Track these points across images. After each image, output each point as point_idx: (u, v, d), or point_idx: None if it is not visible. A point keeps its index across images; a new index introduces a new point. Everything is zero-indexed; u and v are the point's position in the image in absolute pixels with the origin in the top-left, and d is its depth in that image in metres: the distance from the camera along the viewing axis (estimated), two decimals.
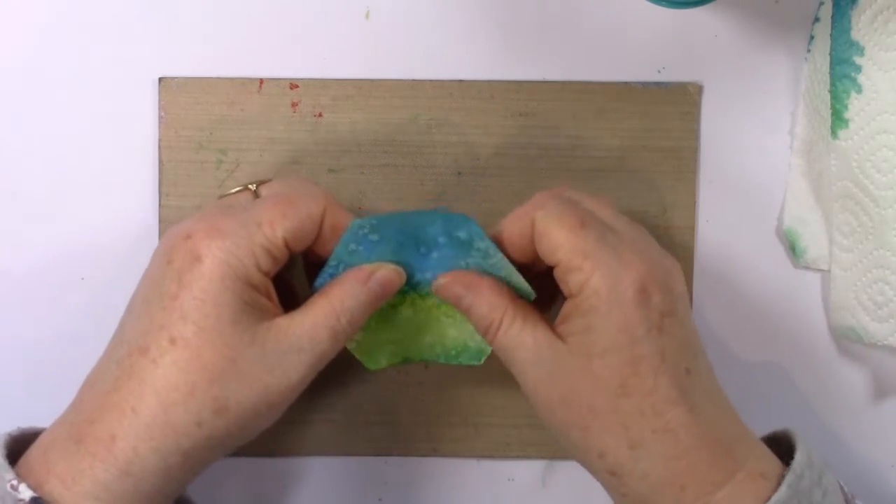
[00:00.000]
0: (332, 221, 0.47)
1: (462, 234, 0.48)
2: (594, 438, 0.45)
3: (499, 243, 0.48)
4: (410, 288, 0.49)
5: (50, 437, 0.45)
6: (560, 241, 0.45)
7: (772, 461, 0.46)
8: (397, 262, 0.48)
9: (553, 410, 0.45)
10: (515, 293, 0.48)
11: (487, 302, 0.47)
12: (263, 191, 0.49)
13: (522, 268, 0.48)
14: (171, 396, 0.44)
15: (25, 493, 0.43)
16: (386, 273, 0.47)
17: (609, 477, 0.45)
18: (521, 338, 0.46)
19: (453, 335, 0.50)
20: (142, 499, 0.44)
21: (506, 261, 0.48)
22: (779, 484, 0.44)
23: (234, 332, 0.44)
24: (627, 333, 0.44)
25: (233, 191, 0.50)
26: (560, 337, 0.46)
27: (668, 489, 0.44)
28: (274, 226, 0.45)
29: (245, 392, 0.44)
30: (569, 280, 0.45)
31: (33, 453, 0.45)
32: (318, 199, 0.47)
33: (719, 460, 0.45)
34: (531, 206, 0.48)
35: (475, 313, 0.47)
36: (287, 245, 0.46)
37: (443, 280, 0.48)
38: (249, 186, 0.50)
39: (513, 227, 0.48)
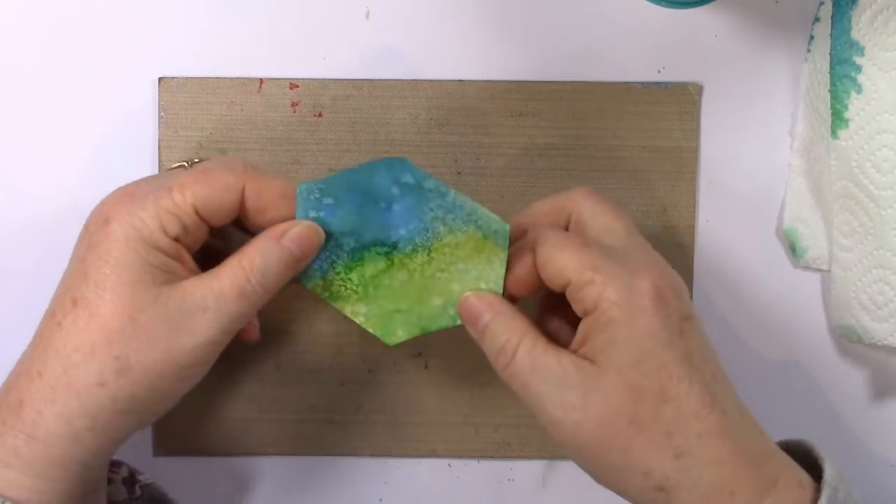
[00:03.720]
0: (257, 191, 0.46)
1: (409, 179, 0.47)
2: (637, 456, 0.43)
3: (508, 285, 0.48)
4: (392, 249, 0.48)
5: None
6: (566, 262, 0.45)
7: (801, 471, 0.45)
8: (364, 223, 0.47)
9: (587, 436, 0.44)
10: (497, 243, 0.47)
11: (505, 323, 0.46)
12: (196, 166, 0.48)
13: (511, 298, 0.48)
14: (71, 357, 0.44)
15: None
16: (301, 230, 0.46)
17: (657, 494, 0.44)
18: (545, 361, 0.44)
19: (458, 290, 0.48)
20: (52, 464, 0.44)
21: (463, 195, 0.47)
22: (816, 493, 0.44)
23: (135, 291, 0.44)
24: (654, 338, 0.43)
25: (173, 165, 0.50)
26: (585, 359, 0.44)
27: (719, 496, 0.43)
28: (183, 191, 0.45)
29: (146, 351, 0.44)
30: (583, 296, 0.44)
31: None
32: (239, 170, 0.46)
33: (759, 466, 0.44)
34: (529, 241, 0.47)
35: (490, 333, 0.46)
36: (198, 213, 0.45)
37: (464, 298, 0.47)
38: (184, 163, 0.50)
39: (513, 264, 0.47)
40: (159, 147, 0.54)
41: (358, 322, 0.48)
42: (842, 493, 0.44)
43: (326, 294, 0.48)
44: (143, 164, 0.55)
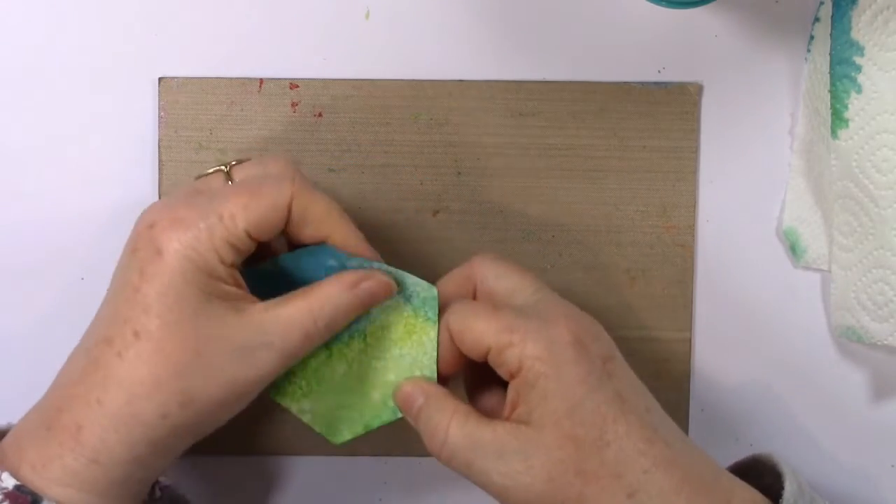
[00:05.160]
0: (303, 207, 0.46)
1: (333, 263, 0.47)
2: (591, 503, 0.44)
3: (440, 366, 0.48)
4: (332, 339, 0.48)
5: (23, 424, 0.46)
6: (482, 329, 0.45)
7: (752, 490, 0.46)
8: None
9: (539, 496, 0.44)
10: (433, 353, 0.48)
11: (436, 405, 0.46)
12: (236, 173, 0.48)
13: (441, 379, 0.48)
14: (135, 390, 0.44)
15: (8, 481, 0.43)
16: (376, 284, 0.47)
17: None
18: (479, 434, 0.44)
19: (394, 380, 0.48)
20: (113, 485, 0.44)
21: (388, 266, 0.48)
22: None
23: (198, 325, 0.44)
24: (583, 385, 0.44)
25: (209, 171, 0.49)
26: (520, 422, 0.44)
27: None
28: (235, 219, 0.45)
29: (211, 384, 0.44)
30: (505, 359, 0.44)
31: (8, 440, 0.46)
32: (286, 187, 0.46)
33: (711, 492, 0.44)
34: (445, 319, 0.47)
35: (424, 417, 0.46)
36: (251, 236, 0.45)
37: (399, 387, 0.48)
38: (222, 168, 0.49)
39: (442, 348, 0.47)
40: (159, 147, 0.54)
41: (305, 420, 0.49)
42: None
43: (273, 392, 0.48)
44: (144, 164, 0.55)
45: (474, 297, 0.48)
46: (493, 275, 0.48)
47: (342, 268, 0.47)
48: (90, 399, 0.44)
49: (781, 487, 0.45)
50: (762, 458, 0.48)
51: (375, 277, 0.47)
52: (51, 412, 0.45)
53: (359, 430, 0.49)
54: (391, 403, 0.48)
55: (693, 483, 0.44)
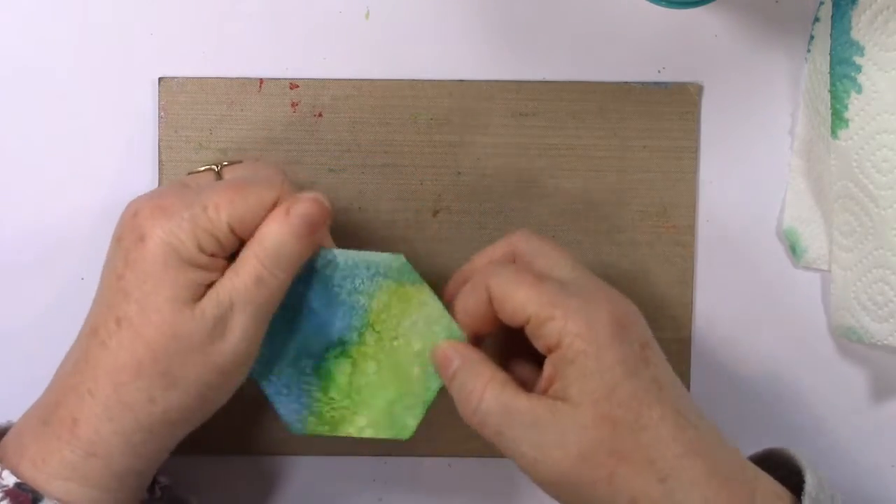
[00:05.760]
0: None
1: (302, 269, 0.47)
2: (622, 485, 0.43)
3: (458, 317, 0.47)
4: (343, 345, 0.48)
5: (24, 420, 0.46)
6: (525, 299, 0.45)
7: (775, 483, 0.46)
8: (303, 336, 0.48)
9: (570, 472, 0.44)
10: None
11: (473, 369, 0.46)
12: (226, 173, 0.49)
13: (475, 339, 0.48)
14: (120, 377, 0.44)
15: (9, 479, 0.44)
16: (305, 204, 0.46)
17: None
18: (516, 404, 0.44)
19: (422, 346, 0.48)
20: (112, 477, 0.45)
21: (348, 251, 0.48)
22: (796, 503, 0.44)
23: (174, 309, 0.44)
24: (622, 368, 0.44)
25: (200, 169, 0.50)
26: (556, 398, 0.44)
27: None
28: (219, 210, 0.45)
29: (191, 364, 0.44)
30: (545, 332, 0.44)
31: (9, 437, 0.46)
32: (273, 187, 0.46)
33: (738, 482, 0.44)
34: (482, 276, 0.47)
35: (458, 380, 0.46)
36: (233, 231, 0.45)
37: (436, 348, 0.47)
38: (213, 167, 0.49)
39: (467, 301, 0.47)
40: (159, 147, 0.54)
41: (368, 436, 0.48)
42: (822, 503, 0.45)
43: (326, 428, 0.48)
44: (144, 164, 0.55)
45: None
46: (533, 251, 0.48)
47: (313, 270, 0.47)
48: (82, 391, 0.44)
49: (795, 482, 0.45)
50: (777, 452, 0.48)
51: (302, 199, 0.46)
52: (49, 407, 0.45)
53: (420, 411, 0.48)
54: (432, 369, 0.48)
55: (721, 472, 0.44)
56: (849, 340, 0.55)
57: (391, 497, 0.56)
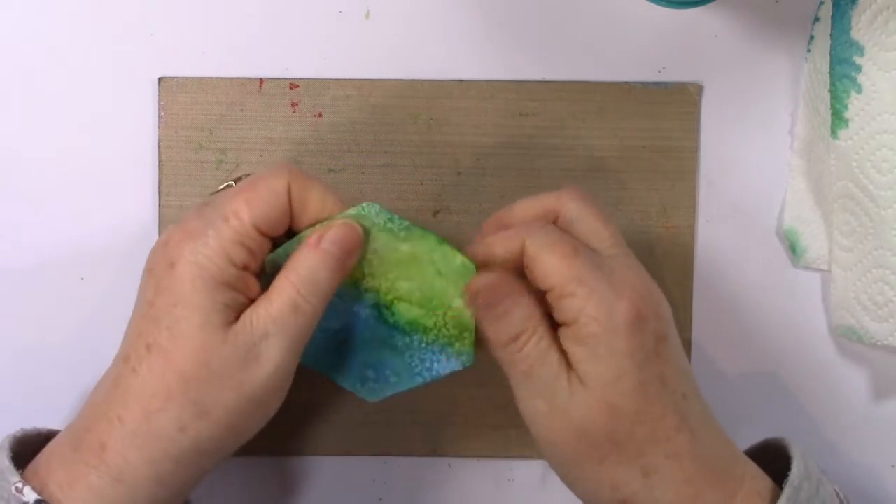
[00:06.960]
0: (301, 192, 0.46)
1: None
2: (608, 470, 0.44)
3: (481, 256, 0.47)
4: (377, 308, 0.48)
5: (55, 443, 0.46)
6: (553, 268, 0.45)
7: (765, 479, 0.46)
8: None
9: (565, 444, 0.45)
10: None
11: (526, 310, 0.45)
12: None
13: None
14: (151, 404, 0.44)
15: (30, 495, 0.43)
16: (337, 231, 0.46)
17: None
18: (549, 357, 0.45)
19: (436, 269, 0.48)
20: None
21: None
22: (775, 499, 0.45)
23: (205, 335, 0.44)
24: (632, 359, 0.44)
25: (220, 187, 0.50)
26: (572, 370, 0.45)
27: None
28: (240, 215, 0.45)
29: (222, 392, 0.44)
30: (563, 306, 0.44)
31: (41, 459, 0.46)
32: (280, 174, 0.46)
33: (720, 483, 0.45)
34: (522, 229, 0.46)
35: (508, 318, 0.45)
36: (260, 231, 0.45)
37: (484, 278, 0.46)
38: (232, 183, 0.49)
39: (500, 246, 0.46)
40: (159, 147, 0.54)
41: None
42: (805, 492, 0.45)
43: (465, 333, 0.48)
44: (144, 164, 0.55)
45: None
46: (577, 214, 0.47)
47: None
48: (112, 417, 0.44)
49: (788, 472, 0.46)
50: (773, 443, 0.49)
51: (334, 226, 0.46)
52: (79, 432, 0.45)
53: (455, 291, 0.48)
54: (458, 260, 0.47)
55: (707, 475, 0.45)
56: (849, 340, 0.55)
57: (391, 497, 0.56)
